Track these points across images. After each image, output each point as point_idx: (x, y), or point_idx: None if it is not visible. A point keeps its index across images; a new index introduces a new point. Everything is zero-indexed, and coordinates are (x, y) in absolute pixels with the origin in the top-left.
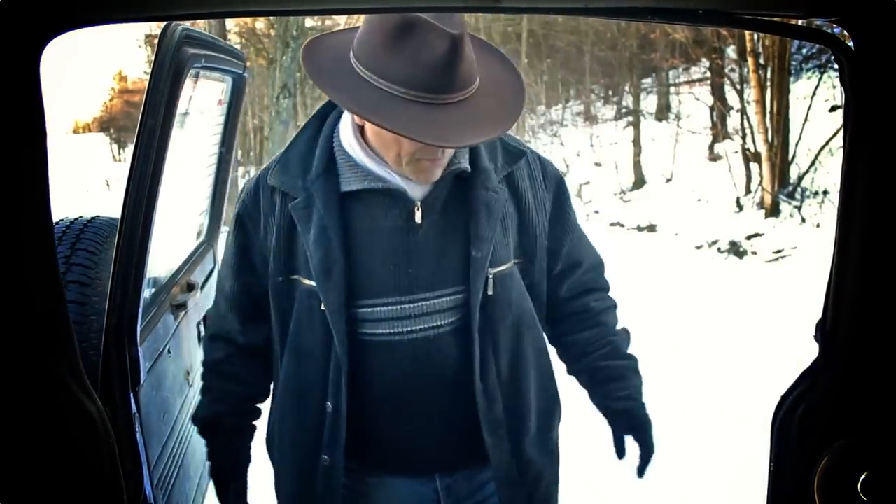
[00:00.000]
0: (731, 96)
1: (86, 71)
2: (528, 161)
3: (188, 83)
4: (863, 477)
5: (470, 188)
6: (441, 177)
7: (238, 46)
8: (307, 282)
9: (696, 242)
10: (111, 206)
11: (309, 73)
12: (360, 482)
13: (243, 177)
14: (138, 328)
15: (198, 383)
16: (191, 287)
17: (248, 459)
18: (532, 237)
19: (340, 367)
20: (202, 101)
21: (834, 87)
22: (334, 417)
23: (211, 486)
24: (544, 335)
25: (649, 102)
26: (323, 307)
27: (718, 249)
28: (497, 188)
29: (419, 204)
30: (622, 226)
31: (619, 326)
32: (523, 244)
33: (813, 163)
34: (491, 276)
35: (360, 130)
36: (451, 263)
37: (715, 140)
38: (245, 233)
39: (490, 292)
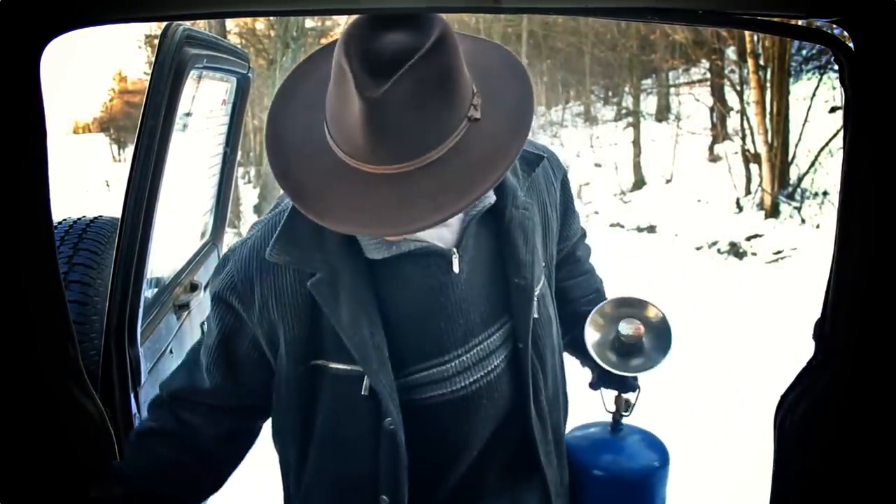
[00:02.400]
0: (731, 97)
1: (86, 71)
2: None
3: (191, 83)
4: None
5: (500, 211)
6: (472, 215)
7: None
8: (338, 366)
9: (696, 243)
10: (111, 206)
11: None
12: None
13: (243, 177)
14: (139, 328)
15: None
16: (194, 287)
17: None
18: (552, 240)
19: (397, 452)
20: (205, 101)
21: (834, 88)
22: None
23: None
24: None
25: (649, 103)
26: (365, 392)
27: (718, 250)
28: (526, 204)
29: (456, 251)
30: (622, 226)
31: (596, 273)
32: (547, 250)
33: (813, 164)
34: (535, 298)
35: None
36: (495, 296)
37: (715, 141)
38: (237, 320)
39: (536, 315)
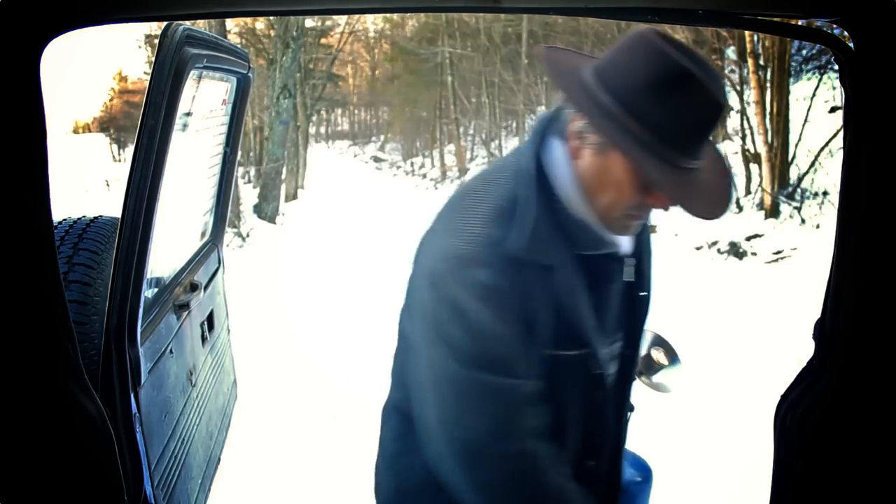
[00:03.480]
0: (731, 97)
1: (86, 71)
2: None
3: (191, 83)
4: None
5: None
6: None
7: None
8: (569, 353)
9: (696, 243)
10: (111, 206)
11: (561, 86)
12: None
13: (243, 177)
14: (139, 328)
15: (201, 384)
16: (194, 287)
17: None
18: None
19: (605, 425)
20: (205, 101)
21: (834, 87)
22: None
23: (214, 487)
24: None
25: None
26: (599, 370)
27: (718, 250)
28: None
29: (632, 260)
30: None
31: None
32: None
33: (813, 164)
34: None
35: (575, 177)
36: (624, 307)
37: (715, 141)
38: (505, 313)
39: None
